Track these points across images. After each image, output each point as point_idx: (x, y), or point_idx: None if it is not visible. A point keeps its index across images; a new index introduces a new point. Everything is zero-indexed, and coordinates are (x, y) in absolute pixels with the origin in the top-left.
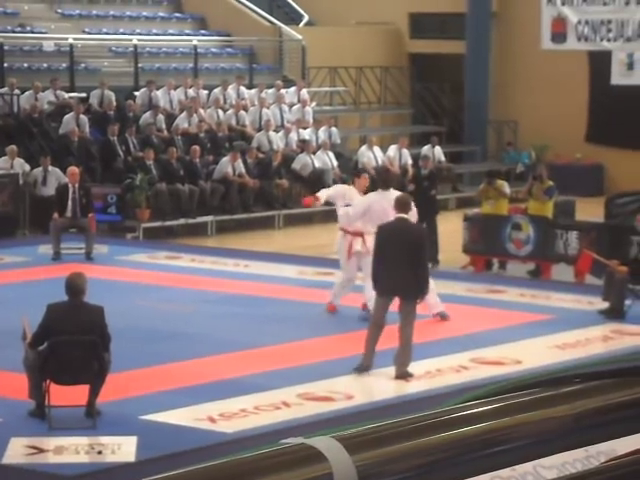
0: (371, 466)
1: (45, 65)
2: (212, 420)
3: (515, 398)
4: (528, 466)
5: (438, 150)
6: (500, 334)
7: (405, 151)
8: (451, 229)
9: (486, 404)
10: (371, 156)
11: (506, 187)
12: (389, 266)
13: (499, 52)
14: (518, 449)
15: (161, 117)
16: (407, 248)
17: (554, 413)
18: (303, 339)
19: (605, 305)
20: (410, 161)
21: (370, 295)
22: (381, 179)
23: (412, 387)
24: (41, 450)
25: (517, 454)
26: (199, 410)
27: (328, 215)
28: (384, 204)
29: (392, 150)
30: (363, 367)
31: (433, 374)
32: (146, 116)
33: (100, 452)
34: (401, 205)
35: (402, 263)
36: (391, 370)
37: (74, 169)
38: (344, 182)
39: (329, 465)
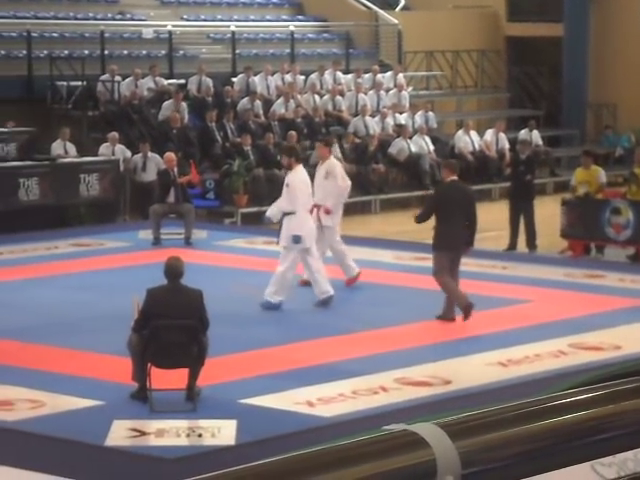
0: (474, 453)
1: (144, 52)
2: (310, 404)
3: (618, 385)
4: (629, 452)
5: (536, 134)
6: (599, 319)
7: (502, 135)
8: (549, 214)
9: (589, 391)
10: (468, 140)
11: (602, 175)
12: (450, 224)
13: (598, 34)
14: (622, 437)
15: (258, 103)
16: (462, 207)
17: None
18: (400, 324)
19: None
20: (507, 145)
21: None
22: (294, 155)
23: (510, 372)
24: (143, 433)
25: (621, 442)
26: (297, 394)
27: (423, 200)
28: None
29: (489, 134)
30: (469, 306)
31: (532, 359)
32: (244, 102)
33: (200, 435)
34: (454, 168)
35: (460, 221)
36: (489, 356)
37: (171, 155)
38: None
39: (432, 451)
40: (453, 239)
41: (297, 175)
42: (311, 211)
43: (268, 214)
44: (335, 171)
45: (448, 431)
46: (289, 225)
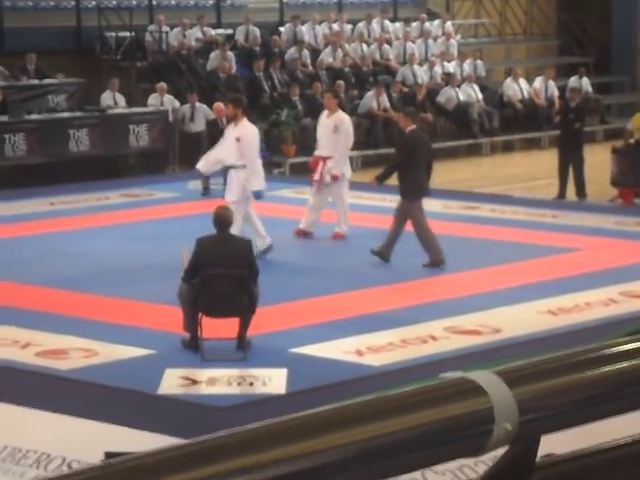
0: (531, 400)
1: (192, 2)
2: (360, 353)
3: None
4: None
5: (585, 81)
6: None
7: (551, 83)
8: (599, 161)
9: None
10: (516, 88)
11: None
12: (418, 173)
13: None
14: None
15: (306, 52)
16: (425, 155)
17: None
18: (449, 273)
19: None
20: (557, 93)
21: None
22: (242, 107)
23: (561, 321)
24: (194, 381)
25: None
26: (347, 343)
27: (472, 148)
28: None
29: (538, 82)
30: (438, 262)
31: (582, 308)
32: (291, 51)
33: (251, 384)
34: (413, 118)
35: (423, 169)
36: (540, 304)
37: (219, 105)
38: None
39: (489, 399)
40: (422, 187)
41: (247, 128)
42: (315, 164)
43: (200, 167)
44: (344, 126)
45: (505, 379)
46: (242, 179)
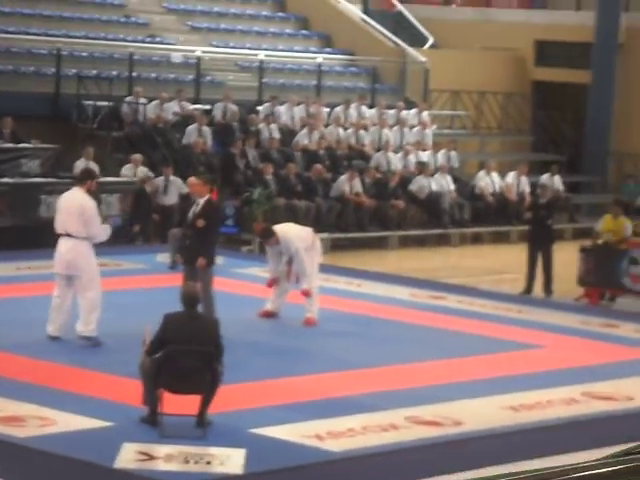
0: None
1: (172, 76)
2: (320, 438)
3: None
4: None
5: (557, 179)
6: (612, 369)
7: (524, 178)
8: (567, 259)
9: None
10: (489, 181)
11: (628, 227)
12: None
13: (624, 83)
14: None
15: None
16: None
17: None
18: (414, 362)
19: None
20: (528, 189)
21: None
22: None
23: (522, 417)
24: (151, 457)
25: None
26: (307, 427)
27: (441, 238)
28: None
29: (510, 177)
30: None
31: (543, 405)
32: (266, 130)
33: (209, 462)
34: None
35: None
36: (501, 399)
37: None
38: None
39: None
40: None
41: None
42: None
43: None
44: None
45: None
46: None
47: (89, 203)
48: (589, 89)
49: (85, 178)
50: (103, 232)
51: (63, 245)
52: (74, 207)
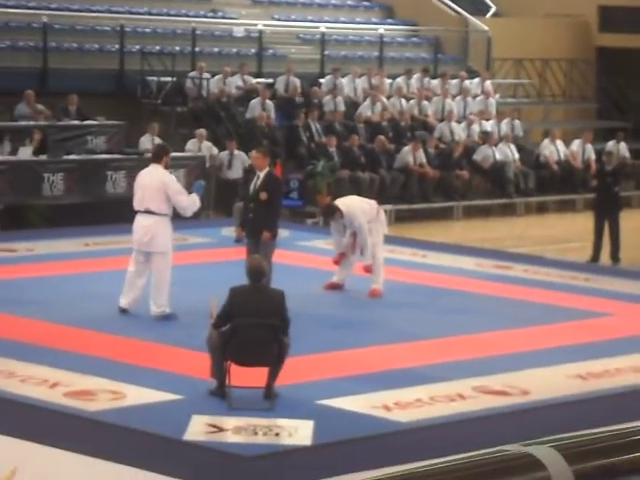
0: (589, 476)
1: (234, 50)
2: (387, 408)
3: None
4: None
5: (623, 146)
6: None
7: (589, 146)
8: (634, 226)
9: None
10: (553, 150)
11: None
12: None
13: None
14: None
15: (343, 103)
16: None
17: None
18: (480, 332)
19: None
20: (593, 156)
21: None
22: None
23: (589, 386)
24: (220, 429)
25: None
26: (375, 398)
27: (506, 208)
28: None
29: (575, 144)
30: None
31: (612, 373)
32: (330, 103)
33: (277, 434)
34: None
35: None
36: (569, 368)
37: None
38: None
39: (548, 474)
40: None
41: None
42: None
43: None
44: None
45: (564, 454)
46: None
47: (170, 178)
48: None
49: (161, 154)
50: (193, 203)
51: (143, 221)
52: (155, 184)
